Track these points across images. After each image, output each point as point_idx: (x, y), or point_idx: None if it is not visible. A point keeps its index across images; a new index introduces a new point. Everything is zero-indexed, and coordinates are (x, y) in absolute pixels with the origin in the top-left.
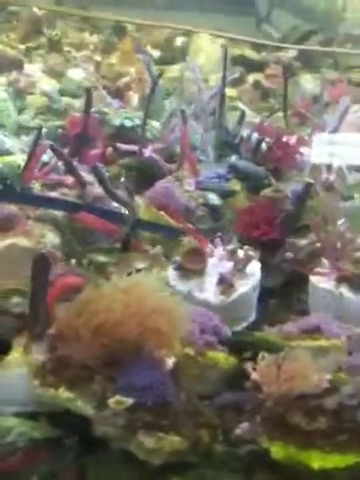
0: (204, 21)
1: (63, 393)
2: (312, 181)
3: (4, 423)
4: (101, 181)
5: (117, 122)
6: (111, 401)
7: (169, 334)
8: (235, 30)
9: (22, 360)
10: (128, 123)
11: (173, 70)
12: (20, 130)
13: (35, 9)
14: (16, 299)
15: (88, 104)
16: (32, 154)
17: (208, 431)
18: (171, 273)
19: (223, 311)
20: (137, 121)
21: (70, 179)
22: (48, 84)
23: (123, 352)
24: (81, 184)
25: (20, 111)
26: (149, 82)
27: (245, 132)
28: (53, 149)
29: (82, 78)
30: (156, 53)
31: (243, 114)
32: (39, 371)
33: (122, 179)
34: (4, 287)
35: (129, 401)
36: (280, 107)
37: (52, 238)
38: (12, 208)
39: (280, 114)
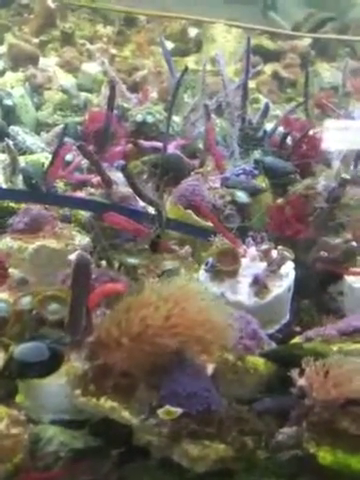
0: (209, 10)
1: (106, 402)
2: (348, 177)
3: (45, 433)
4: (130, 181)
5: (139, 118)
6: (160, 411)
7: (213, 342)
8: (242, 19)
9: (62, 369)
10: (150, 119)
11: (188, 62)
12: (39, 126)
13: (49, 2)
14: (54, 306)
15: (112, 99)
16: (57, 153)
17: (252, 437)
18: (202, 274)
19: (257, 313)
20: (159, 117)
21: (95, 178)
22: (65, 79)
23: (165, 360)
24: (107, 183)
25: (38, 107)
26: (167, 75)
27: (268, 125)
28: (81, 148)
29: (97, 72)
30: (169, 44)
31: (267, 107)
32: (80, 380)
33: (144, 176)
34: (42, 293)
35: (179, 411)
36: (304, 99)
37: (81, 239)
38: (40, 208)
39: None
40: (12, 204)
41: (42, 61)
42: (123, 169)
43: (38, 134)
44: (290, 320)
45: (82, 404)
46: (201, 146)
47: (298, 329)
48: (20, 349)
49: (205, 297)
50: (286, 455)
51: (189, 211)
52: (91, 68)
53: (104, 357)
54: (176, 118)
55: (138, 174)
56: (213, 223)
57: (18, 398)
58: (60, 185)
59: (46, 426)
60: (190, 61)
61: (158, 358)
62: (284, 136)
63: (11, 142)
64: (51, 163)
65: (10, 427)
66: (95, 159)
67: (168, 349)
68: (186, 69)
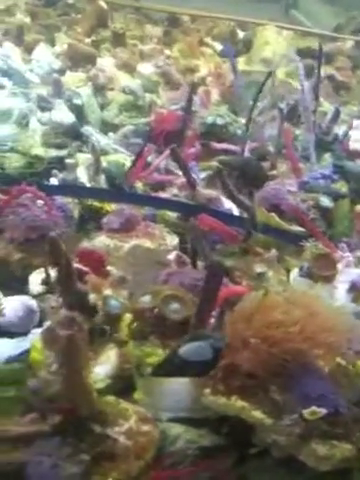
0: (233, 8)
1: (236, 402)
2: None
3: (170, 430)
4: (223, 183)
5: (210, 120)
6: (306, 412)
7: (338, 349)
8: (265, 17)
9: None
10: (220, 121)
11: (238, 63)
12: (104, 127)
13: (101, 2)
14: (175, 305)
15: (190, 101)
16: (140, 154)
17: None
18: (295, 279)
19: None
20: (228, 119)
21: (178, 179)
22: (125, 80)
23: (293, 363)
24: (192, 185)
25: (101, 107)
26: (227, 77)
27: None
28: (173, 150)
29: (151, 73)
30: (218, 46)
31: (338, 111)
32: (209, 379)
33: None
34: (162, 292)
35: (323, 411)
36: None
37: (171, 240)
38: (129, 209)
39: (355, 108)
40: (96, 203)
41: (100, 61)
42: (218, 172)
43: (105, 135)
44: None
45: (211, 403)
46: (271, 149)
47: None
48: (186, 348)
49: (328, 303)
50: None
51: (272, 214)
52: (145, 69)
53: (231, 357)
54: (243, 121)
55: (212, 177)
56: (309, 228)
57: (136, 395)
58: (138, 186)
59: (170, 424)
60: (241, 62)
61: (285, 361)
62: None
63: (97, 143)
64: (133, 164)
65: (140, 424)
66: (183, 161)
67: (298, 353)
68: (270, 73)
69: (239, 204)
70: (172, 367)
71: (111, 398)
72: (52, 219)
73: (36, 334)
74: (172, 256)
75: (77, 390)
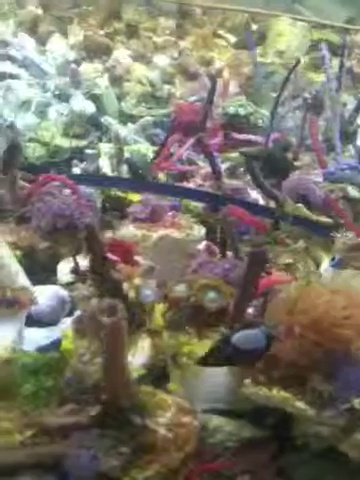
0: (240, 1)
1: (278, 392)
2: None
3: (210, 422)
4: (253, 174)
5: (231, 110)
6: (357, 402)
7: None
8: (270, 9)
9: None
10: (242, 111)
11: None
12: (122, 118)
13: None
14: (212, 294)
15: (212, 92)
16: (164, 144)
17: None
18: (326, 269)
19: None
20: (250, 109)
21: (202, 170)
22: (145, 71)
23: (337, 351)
24: (218, 175)
25: (118, 98)
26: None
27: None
28: (199, 140)
29: (166, 64)
30: (231, 38)
31: None
32: (248, 369)
33: (241, 169)
34: (198, 282)
35: None
36: None
37: (199, 230)
38: (155, 199)
39: None
40: (119, 193)
41: (116, 53)
42: (247, 163)
43: (124, 125)
44: None
45: (252, 394)
46: (294, 140)
47: None
48: (240, 336)
49: None
50: None
51: (300, 205)
52: (161, 60)
53: (273, 346)
54: (264, 111)
55: (234, 167)
56: (341, 217)
57: (171, 386)
58: (160, 176)
59: (210, 416)
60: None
61: (329, 349)
62: None
63: (120, 133)
64: (157, 154)
65: (179, 416)
66: (210, 151)
67: (344, 340)
68: (298, 61)
69: (268, 194)
70: (223, 356)
71: (148, 388)
72: (79, 208)
73: (66, 324)
74: (202, 246)
75: (119, 379)
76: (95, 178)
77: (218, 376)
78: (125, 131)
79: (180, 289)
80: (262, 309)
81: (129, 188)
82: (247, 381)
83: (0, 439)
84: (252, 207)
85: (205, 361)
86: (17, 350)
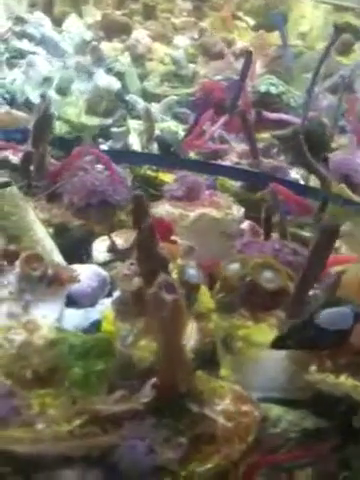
0: None
1: (347, 380)
2: None
3: (271, 412)
4: (299, 150)
5: (263, 88)
6: None
7: None
8: None
9: None
10: (274, 90)
11: (271, 37)
12: (145, 96)
13: None
14: (268, 274)
15: (246, 69)
16: (197, 121)
17: None
18: None
19: None
20: (282, 88)
21: (238, 147)
22: (168, 50)
23: None
24: (256, 154)
25: (140, 78)
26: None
27: None
28: (242, 116)
29: (187, 45)
30: (251, 21)
31: None
32: (310, 355)
33: (275, 150)
34: (253, 260)
35: None
36: None
37: (238, 209)
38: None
39: None
40: (149, 172)
41: (135, 33)
42: (294, 138)
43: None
44: None
45: (318, 381)
46: (326, 120)
47: None
48: (326, 315)
49: None
50: None
51: (342, 185)
52: (181, 41)
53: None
54: (296, 92)
55: (267, 147)
56: None
57: (223, 372)
58: (191, 155)
59: (270, 405)
60: (275, 36)
61: None
62: None
63: (152, 109)
64: (189, 131)
65: (238, 404)
66: (250, 129)
67: None
68: (335, 40)
69: (315, 173)
70: (305, 337)
71: (202, 374)
72: (113, 184)
73: (105, 304)
74: (246, 226)
75: (177, 363)
76: (133, 154)
77: (276, 361)
78: (152, 109)
79: (233, 268)
80: (331, 290)
81: (169, 166)
82: (312, 368)
83: (46, 429)
84: (296, 186)
85: (283, 344)
86: (63, 331)
